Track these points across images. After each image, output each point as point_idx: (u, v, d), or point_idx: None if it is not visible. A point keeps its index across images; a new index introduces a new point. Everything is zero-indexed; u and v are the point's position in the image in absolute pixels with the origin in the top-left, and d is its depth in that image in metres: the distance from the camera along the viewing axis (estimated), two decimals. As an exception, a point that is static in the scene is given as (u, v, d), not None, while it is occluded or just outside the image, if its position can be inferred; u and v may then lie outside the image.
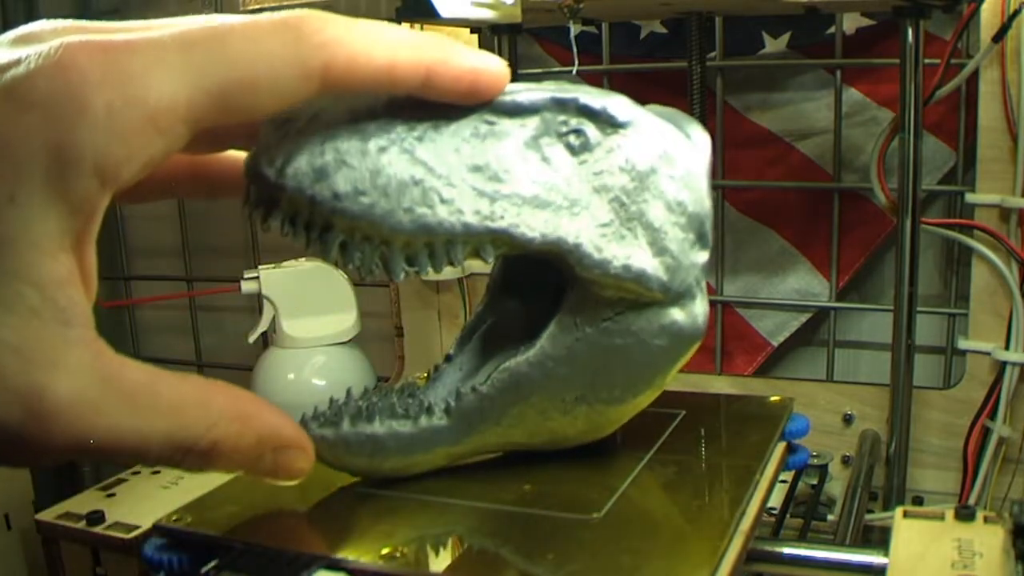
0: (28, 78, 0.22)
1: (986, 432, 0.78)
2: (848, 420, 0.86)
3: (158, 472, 0.63)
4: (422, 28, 0.90)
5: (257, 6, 0.80)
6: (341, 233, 0.30)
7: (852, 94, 0.88)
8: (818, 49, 0.88)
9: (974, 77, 0.76)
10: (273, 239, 0.38)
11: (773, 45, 0.90)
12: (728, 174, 0.92)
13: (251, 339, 0.94)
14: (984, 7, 0.74)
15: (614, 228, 0.33)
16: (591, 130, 0.33)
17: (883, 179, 0.79)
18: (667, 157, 0.34)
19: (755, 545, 0.39)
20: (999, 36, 0.72)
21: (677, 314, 0.35)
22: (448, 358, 0.40)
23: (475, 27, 0.84)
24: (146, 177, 0.25)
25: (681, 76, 0.79)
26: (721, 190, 0.92)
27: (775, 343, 0.94)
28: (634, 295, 0.34)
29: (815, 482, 0.64)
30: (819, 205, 0.91)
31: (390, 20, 0.68)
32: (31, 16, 1.11)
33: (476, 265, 0.96)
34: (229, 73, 0.25)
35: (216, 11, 1.03)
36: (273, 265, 0.92)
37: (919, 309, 0.76)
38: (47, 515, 0.58)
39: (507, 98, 0.33)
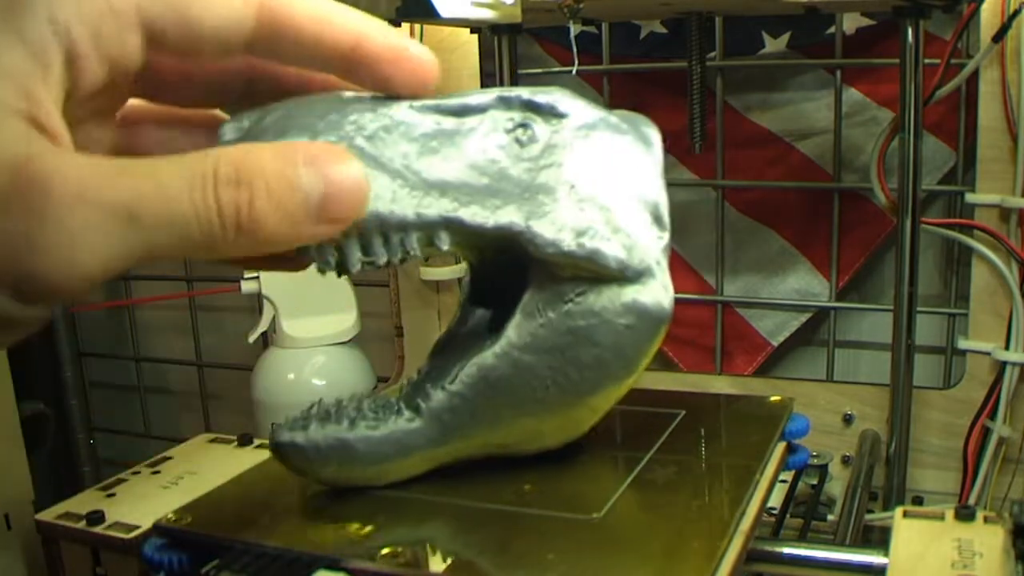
0: None
1: (986, 432, 0.78)
2: (848, 420, 0.86)
3: (158, 472, 0.63)
4: (422, 28, 0.90)
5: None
6: None
7: (852, 94, 0.88)
8: (818, 49, 0.89)
9: (974, 77, 0.76)
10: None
11: (773, 45, 0.90)
12: (728, 174, 0.92)
13: (251, 339, 0.94)
14: (984, 7, 0.74)
15: (566, 209, 0.34)
16: (537, 123, 0.35)
17: (883, 179, 0.79)
18: (613, 144, 0.36)
19: (755, 545, 0.39)
20: (999, 36, 0.72)
21: (639, 292, 0.36)
22: (419, 371, 0.40)
23: (475, 27, 0.84)
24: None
25: (681, 76, 0.79)
26: (721, 190, 0.92)
27: (775, 343, 0.94)
28: (592, 274, 0.35)
29: (815, 482, 0.64)
30: (819, 205, 0.91)
31: (390, 20, 0.68)
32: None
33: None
34: None
35: None
36: (273, 265, 0.92)
37: (919, 309, 0.76)
38: (47, 515, 0.58)
39: (455, 101, 0.34)
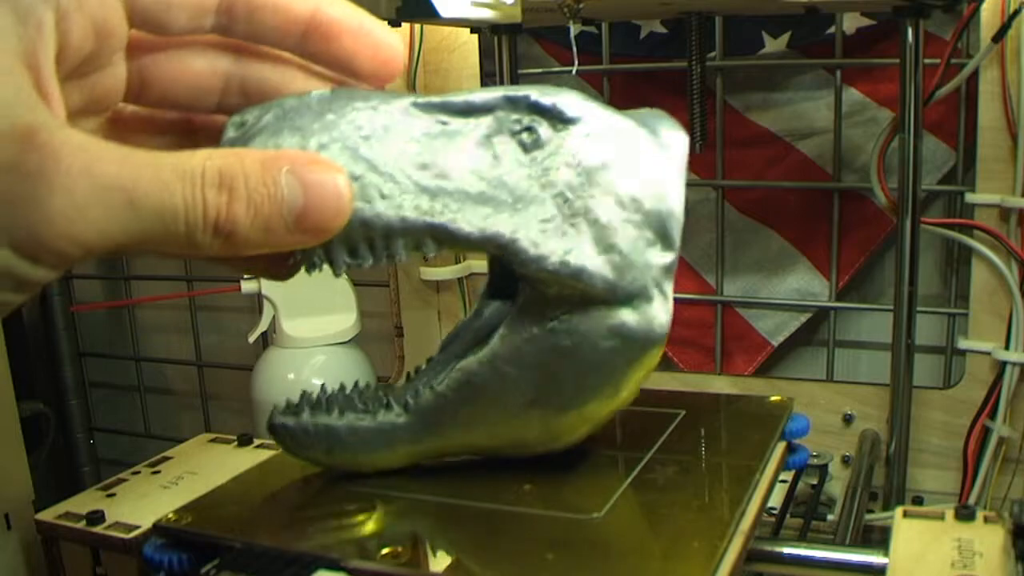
0: None
1: (986, 432, 0.78)
2: (848, 420, 0.86)
3: (158, 472, 0.63)
4: (422, 28, 0.90)
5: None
6: None
7: (852, 94, 0.88)
8: (818, 49, 0.88)
9: (974, 77, 0.76)
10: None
11: (773, 45, 0.90)
12: (728, 174, 0.92)
13: (251, 339, 0.94)
14: (984, 7, 0.74)
15: (555, 224, 0.33)
16: (543, 127, 0.33)
17: (883, 179, 0.79)
18: (621, 153, 0.34)
19: (755, 545, 0.39)
20: (999, 36, 0.72)
21: (628, 315, 0.34)
22: (429, 360, 0.40)
23: (475, 27, 0.84)
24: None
25: (681, 76, 0.79)
26: (721, 190, 0.92)
27: (775, 343, 0.94)
28: (578, 293, 0.34)
29: (815, 482, 0.65)
30: (819, 205, 0.91)
31: (390, 20, 0.68)
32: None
33: (477, 264, 0.96)
34: None
35: None
36: (273, 265, 0.92)
37: (919, 309, 0.76)
38: (47, 515, 0.58)
39: (460, 99, 0.33)
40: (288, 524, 0.38)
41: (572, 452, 0.40)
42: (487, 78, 0.94)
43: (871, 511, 0.77)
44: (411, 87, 0.94)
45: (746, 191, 0.93)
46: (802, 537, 0.56)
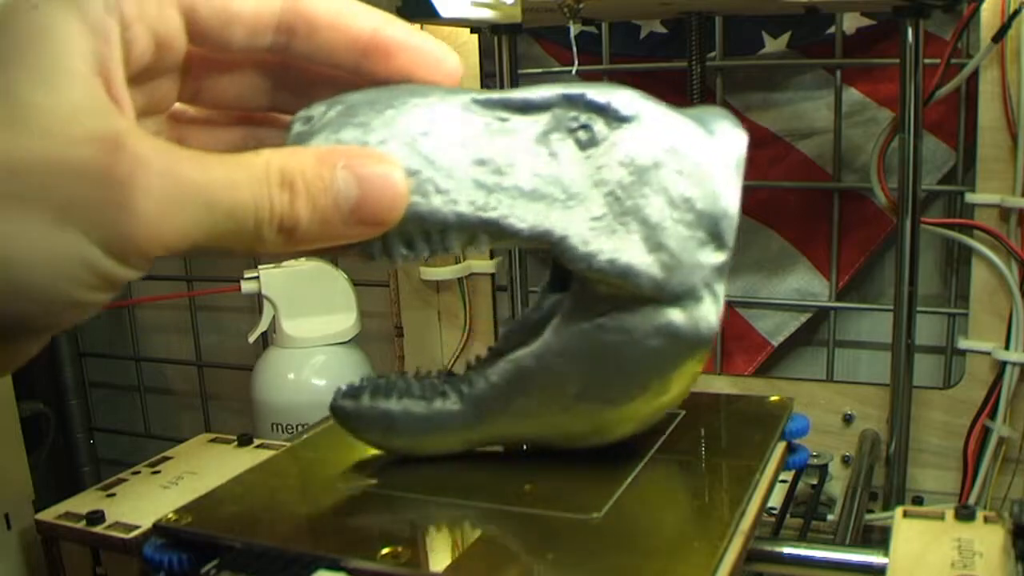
0: None
1: (986, 432, 0.78)
2: (848, 420, 0.86)
3: (158, 472, 0.63)
4: (422, 28, 0.90)
5: None
6: None
7: (852, 94, 0.88)
8: (818, 49, 0.88)
9: (974, 77, 0.76)
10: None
11: (773, 45, 0.90)
12: (728, 174, 0.92)
13: (251, 339, 0.94)
14: (984, 7, 0.74)
15: (606, 222, 0.33)
16: (598, 125, 0.33)
17: (883, 179, 0.79)
18: (674, 152, 0.34)
19: (755, 545, 0.39)
20: (999, 36, 0.73)
21: (675, 315, 0.34)
22: (489, 349, 0.41)
23: (475, 27, 0.84)
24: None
25: (681, 76, 0.79)
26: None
27: (775, 343, 0.94)
28: (626, 292, 0.34)
29: (815, 482, 0.65)
30: (819, 205, 0.91)
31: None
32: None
33: (477, 264, 0.96)
34: None
35: None
36: (273, 265, 0.92)
37: (919, 309, 0.76)
38: (47, 515, 0.58)
39: (519, 96, 0.33)
40: (288, 524, 0.38)
41: (572, 452, 0.40)
42: (487, 78, 0.94)
43: (871, 511, 0.77)
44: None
45: (746, 191, 0.93)
46: (802, 537, 0.56)
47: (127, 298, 1.26)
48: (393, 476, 0.41)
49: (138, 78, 0.27)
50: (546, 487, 0.38)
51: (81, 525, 0.56)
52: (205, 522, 0.37)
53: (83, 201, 0.23)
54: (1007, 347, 0.77)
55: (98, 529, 0.56)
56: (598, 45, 0.94)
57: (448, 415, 0.38)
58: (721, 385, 0.91)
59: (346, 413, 0.39)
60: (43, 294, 0.23)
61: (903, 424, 0.77)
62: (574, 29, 0.67)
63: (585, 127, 0.33)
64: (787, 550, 0.41)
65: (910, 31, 0.68)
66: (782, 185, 0.91)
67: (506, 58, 0.81)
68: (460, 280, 0.98)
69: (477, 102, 0.33)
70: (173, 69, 0.29)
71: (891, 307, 0.76)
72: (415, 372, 0.40)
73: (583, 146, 0.33)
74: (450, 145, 0.32)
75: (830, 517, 0.80)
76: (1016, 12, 0.72)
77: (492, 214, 0.32)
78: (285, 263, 0.93)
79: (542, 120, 0.33)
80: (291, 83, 0.32)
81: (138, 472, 0.63)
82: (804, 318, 0.93)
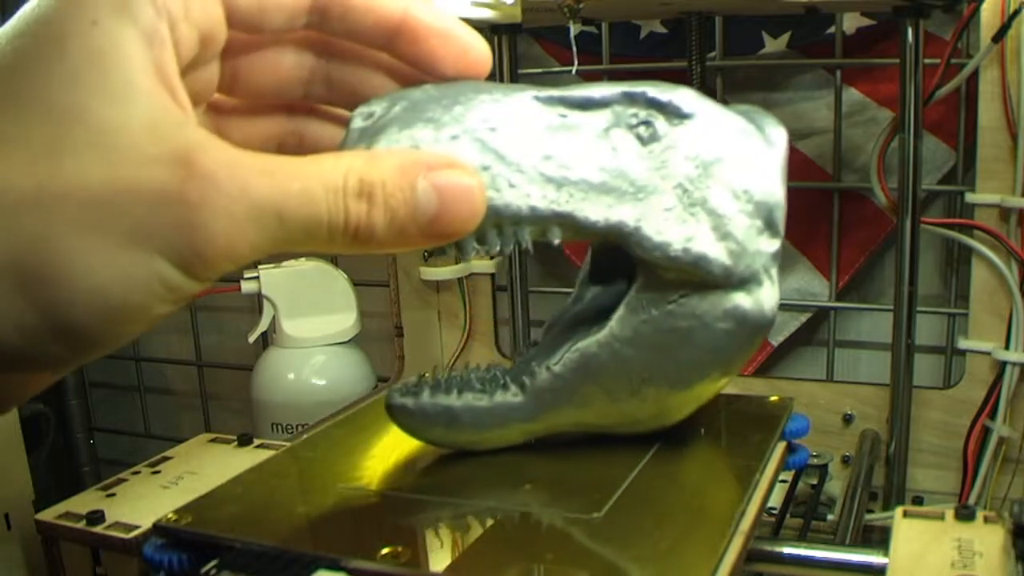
0: None
1: (986, 432, 0.78)
2: (848, 420, 0.86)
3: (158, 472, 0.63)
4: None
5: None
6: None
7: (852, 94, 0.88)
8: (818, 49, 0.89)
9: (974, 77, 0.76)
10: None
11: (773, 45, 0.90)
12: (728, 174, 0.92)
13: (251, 339, 0.94)
14: (984, 7, 0.74)
15: (676, 213, 0.34)
16: (659, 122, 0.35)
17: (883, 179, 0.79)
18: (733, 147, 0.36)
19: (755, 545, 0.39)
20: (999, 36, 0.72)
21: (742, 299, 0.36)
22: (535, 344, 0.42)
23: (475, 27, 0.84)
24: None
25: (681, 76, 0.79)
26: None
27: (775, 343, 0.94)
28: (697, 278, 0.35)
29: (815, 482, 0.65)
30: (819, 205, 0.91)
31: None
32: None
33: (477, 265, 0.96)
34: None
35: None
36: (273, 265, 0.92)
37: (919, 309, 0.76)
38: (47, 515, 0.58)
39: (579, 93, 0.34)
40: (288, 524, 0.38)
41: (572, 452, 0.40)
42: (487, 78, 0.94)
43: (871, 511, 0.77)
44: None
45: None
46: (802, 537, 0.56)
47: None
48: (393, 476, 0.41)
49: (182, 73, 0.27)
50: (546, 487, 0.38)
51: (81, 525, 0.56)
52: (205, 522, 0.37)
53: (155, 223, 0.23)
54: (1007, 347, 0.77)
55: (98, 529, 0.56)
56: (598, 45, 0.94)
57: (510, 407, 0.39)
58: (721, 385, 0.91)
59: (408, 411, 0.39)
60: (113, 308, 0.23)
61: (903, 424, 0.77)
62: (574, 29, 0.67)
63: (646, 123, 0.35)
64: (787, 550, 0.41)
65: (910, 31, 0.68)
66: (782, 185, 0.91)
67: (506, 58, 0.81)
68: (460, 280, 0.98)
69: (538, 99, 0.33)
70: (213, 59, 0.29)
71: (891, 307, 0.76)
72: (469, 366, 0.40)
73: (644, 142, 0.35)
74: (518, 140, 0.32)
75: (830, 517, 0.80)
76: (1016, 12, 0.72)
77: (566, 207, 0.33)
78: (285, 263, 0.93)
79: (602, 116, 0.34)
80: (325, 72, 0.32)
81: (138, 472, 0.63)
82: (804, 318, 0.93)
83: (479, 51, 0.32)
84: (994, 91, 0.75)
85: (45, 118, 0.23)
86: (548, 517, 0.36)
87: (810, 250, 0.92)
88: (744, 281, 0.36)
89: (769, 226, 0.36)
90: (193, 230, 0.23)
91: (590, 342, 0.37)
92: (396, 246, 0.27)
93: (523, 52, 0.96)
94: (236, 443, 0.66)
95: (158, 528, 0.37)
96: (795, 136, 0.91)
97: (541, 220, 0.33)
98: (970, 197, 0.78)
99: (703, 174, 0.35)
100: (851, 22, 0.86)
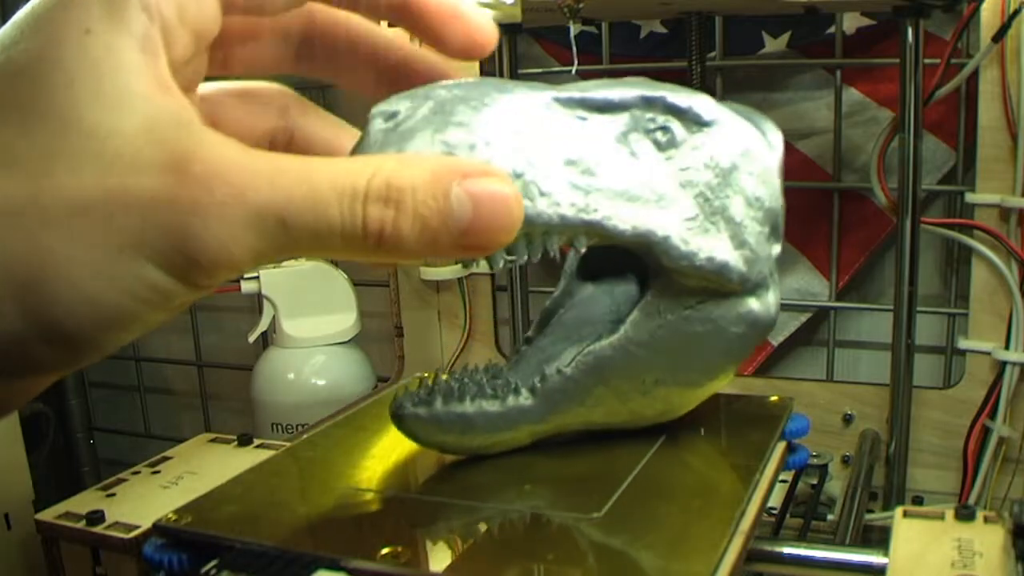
0: None
1: (986, 432, 0.78)
2: (848, 420, 0.86)
3: (158, 472, 0.63)
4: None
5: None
6: None
7: (852, 94, 0.88)
8: (818, 49, 0.88)
9: (974, 77, 0.76)
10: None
11: (773, 45, 0.90)
12: (728, 174, 0.92)
13: (251, 339, 0.94)
14: (984, 7, 0.74)
15: (699, 222, 0.35)
16: (677, 127, 0.35)
17: (883, 179, 0.79)
18: (748, 155, 0.36)
19: (755, 545, 0.39)
20: (999, 36, 0.72)
21: (754, 303, 0.37)
22: (528, 340, 0.42)
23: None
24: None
25: (681, 76, 0.79)
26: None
27: (775, 343, 0.94)
28: (715, 285, 0.36)
29: (815, 482, 0.65)
30: (819, 205, 0.91)
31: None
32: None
33: (479, 265, 0.96)
34: None
35: None
36: (273, 265, 0.92)
37: (919, 309, 0.76)
38: (47, 515, 0.58)
39: (598, 94, 0.34)
40: (288, 524, 0.38)
41: (572, 452, 0.40)
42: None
43: (871, 511, 0.77)
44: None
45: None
46: (802, 537, 0.56)
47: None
48: (393, 476, 0.41)
49: (173, 70, 0.26)
50: (546, 487, 0.38)
51: (81, 525, 0.56)
52: (205, 522, 0.37)
53: (147, 231, 0.22)
54: (1007, 347, 0.77)
55: (98, 529, 0.56)
56: (598, 45, 0.94)
57: (521, 411, 0.39)
58: (721, 385, 0.91)
59: (422, 420, 0.39)
60: (105, 316, 0.23)
61: (903, 424, 0.77)
62: (574, 29, 0.67)
63: (664, 128, 0.35)
64: (787, 550, 0.41)
65: (910, 31, 0.68)
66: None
67: (506, 58, 0.81)
68: (460, 280, 0.98)
69: (559, 100, 0.33)
70: (203, 52, 0.29)
71: (891, 307, 0.76)
72: (469, 368, 0.40)
73: (661, 147, 0.35)
74: (543, 145, 0.32)
75: (830, 517, 0.80)
76: (1016, 12, 0.72)
77: (595, 216, 0.33)
78: (285, 263, 0.93)
79: (620, 120, 0.34)
80: (313, 53, 0.32)
81: (138, 472, 0.63)
82: (804, 318, 0.93)
83: (486, 33, 0.31)
84: (994, 91, 0.75)
85: (40, 127, 0.22)
86: (548, 517, 0.36)
87: (810, 250, 0.92)
88: (756, 286, 0.37)
89: (774, 231, 0.37)
90: (186, 237, 0.22)
91: (603, 345, 0.38)
92: (424, 255, 0.25)
93: (523, 52, 0.96)
94: (236, 443, 0.66)
95: (158, 528, 0.37)
96: (795, 136, 0.91)
97: (570, 229, 0.32)
98: (970, 197, 0.78)
99: (722, 182, 0.35)
100: (851, 22, 0.86)
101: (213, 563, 0.35)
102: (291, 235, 0.23)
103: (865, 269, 0.92)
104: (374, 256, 0.25)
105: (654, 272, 0.37)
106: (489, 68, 0.92)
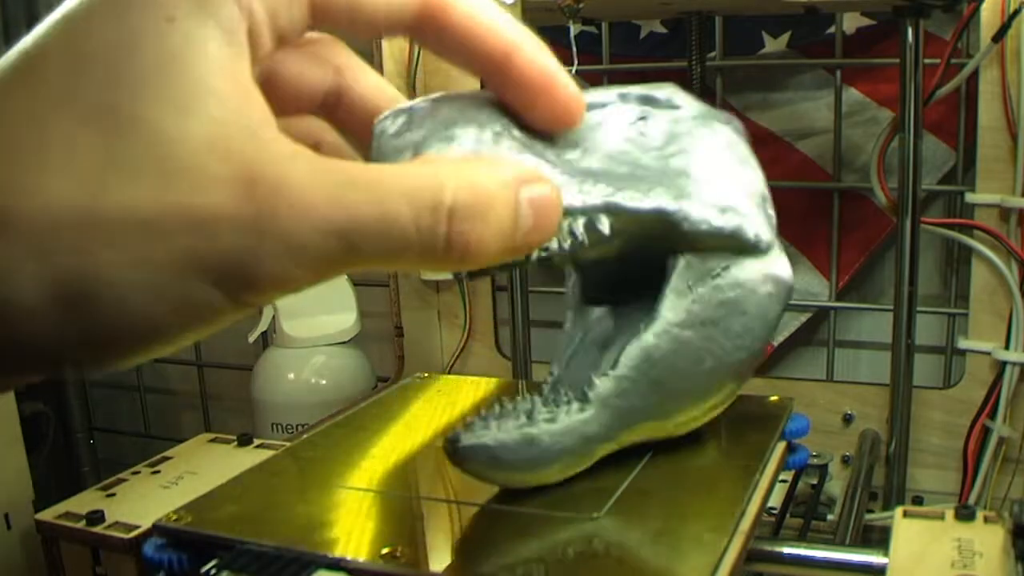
0: None
1: (986, 432, 0.78)
2: (848, 420, 0.86)
3: (158, 472, 0.63)
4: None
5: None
6: None
7: (852, 94, 0.88)
8: (818, 49, 0.89)
9: (974, 77, 0.76)
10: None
11: (773, 45, 0.90)
12: (728, 174, 0.92)
13: (251, 339, 0.94)
14: (984, 7, 0.74)
15: (697, 195, 0.36)
16: (654, 116, 0.36)
17: (883, 179, 0.79)
18: (725, 133, 0.38)
19: (755, 545, 0.39)
20: (999, 36, 0.73)
21: (773, 263, 0.38)
22: (550, 376, 0.40)
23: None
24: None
25: (681, 76, 0.79)
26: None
27: (775, 343, 0.94)
28: (734, 247, 0.37)
29: (815, 482, 0.64)
30: (819, 205, 0.91)
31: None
32: (31, 15, 1.10)
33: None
34: None
35: None
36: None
37: (919, 309, 0.76)
38: (47, 515, 0.58)
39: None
40: (288, 524, 0.38)
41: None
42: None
43: (871, 511, 0.77)
44: (411, 88, 0.94)
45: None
46: (802, 537, 0.56)
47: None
48: (393, 476, 0.41)
49: None
50: (546, 487, 0.38)
51: (81, 525, 0.56)
52: (205, 522, 0.37)
53: (205, 251, 0.21)
54: (1007, 347, 0.77)
55: (98, 529, 0.56)
56: (598, 45, 0.94)
57: (583, 423, 0.37)
58: (721, 385, 0.91)
59: (485, 449, 0.35)
60: (149, 330, 0.22)
61: (903, 424, 0.77)
62: (574, 29, 0.67)
63: (643, 118, 0.36)
64: (787, 550, 0.41)
65: (910, 31, 0.68)
66: (782, 185, 0.91)
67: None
68: (460, 280, 0.98)
69: None
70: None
71: (891, 307, 0.76)
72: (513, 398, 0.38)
73: (645, 134, 0.36)
74: (543, 139, 0.32)
75: (830, 517, 0.80)
76: (1016, 12, 0.72)
77: (612, 197, 0.33)
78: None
79: (605, 115, 0.35)
80: (338, 82, 0.31)
81: (138, 472, 0.63)
82: (804, 318, 0.93)
83: (575, 111, 0.30)
84: (994, 91, 0.75)
85: (102, 126, 0.21)
86: (548, 517, 0.36)
87: (810, 250, 0.92)
88: (769, 246, 0.38)
89: (764, 199, 0.38)
90: (245, 260, 0.21)
91: (646, 336, 0.37)
92: (493, 261, 0.25)
93: (523, 52, 0.96)
94: (236, 443, 0.66)
95: (158, 528, 0.37)
96: (795, 136, 0.91)
97: (592, 210, 0.33)
98: (970, 197, 0.78)
99: (712, 156, 0.37)
100: (851, 22, 0.86)
101: (213, 563, 0.35)
102: (358, 254, 0.23)
103: (865, 269, 0.92)
104: (447, 267, 0.24)
105: (671, 255, 0.37)
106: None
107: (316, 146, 0.30)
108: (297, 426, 0.89)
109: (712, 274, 0.37)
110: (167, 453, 0.66)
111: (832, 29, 0.87)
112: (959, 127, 0.83)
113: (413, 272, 0.26)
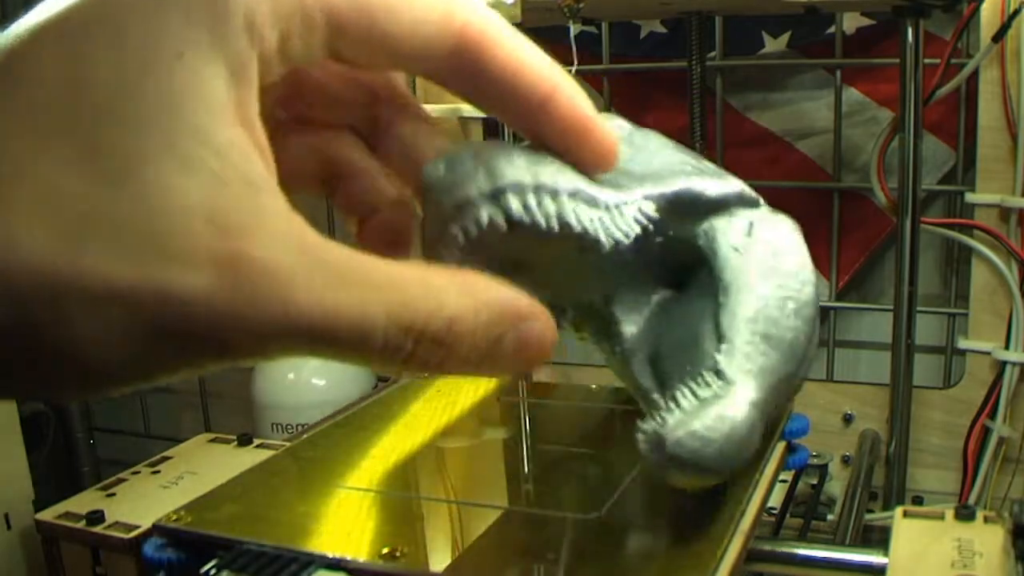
0: None
1: (986, 432, 0.78)
2: (848, 420, 0.86)
3: (158, 472, 0.63)
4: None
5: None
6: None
7: (852, 94, 0.88)
8: (818, 49, 0.88)
9: (974, 77, 0.76)
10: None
11: (773, 45, 0.90)
12: (728, 174, 0.92)
13: (251, 339, 0.94)
14: (984, 7, 0.74)
15: (698, 172, 0.37)
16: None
17: (883, 179, 0.79)
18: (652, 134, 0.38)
19: (755, 545, 0.39)
20: (999, 36, 0.73)
21: (783, 219, 0.39)
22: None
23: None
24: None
25: (681, 76, 0.79)
26: (721, 190, 0.92)
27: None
28: (743, 204, 0.38)
29: (815, 482, 0.65)
30: (819, 205, 0.91)
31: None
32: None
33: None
34: None
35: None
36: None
37: (919, 309, 0.76)
38: (47, 515, 0.58)
39: None
40: (288, 524, 0.38)
41: (572, 452, 0.40)
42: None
43: (871, 511, 0.77)
44: (411, 88, 0.94)
45: (746, 191, 0.93)
46: (802, 537, 0.56)
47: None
48: (393, 476, 0.41)
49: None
50: (546, 487, 0.38)
51: (81, 525, 0.56)
52: (205, 522, 0.37)
53: (178, 325, 0.21)
54: (1007, 347, 0.77)
55: (98, 529, 0.56)
56: (598, 45, 0.94)
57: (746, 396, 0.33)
58: (721, 385, 0.91)
59: (700, 438, 0.31)
60: (124, 377, 0.22)
61: (903, 424, 0.77)
62: (574, 29, 0.67)
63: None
64: (787, 550, 0.41)
65: (910, 31, 0.68)
66: (782, 185, 0.91)
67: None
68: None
69: None
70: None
71: (891, 307, 0.76)
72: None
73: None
74: (553, 163, 0.30)
75: (830, 517, 0.80)
76: (1016, 12, 0.72)
77: (665, 187, 0.34)
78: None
79: None
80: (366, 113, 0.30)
81: (138, 472, 0.63)
82: (804, 318, 0.93)
83: (611, 154, 0.29)
84: (994, 91, 0.75)
85: (93, 169, 0.20)
86: (548, 517, 0.36)
87: (810, 250, 0.92)
88: (756, 201, 0.39)
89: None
90: (214, 335, 0.21)
91: (731, 302, 0.35)
92: (456, 375, 0.25)
93: (523, 52, 0.96)
94: (236, 443, 0.66)
95: (158, 528, 0.37)
96: (795, 136, 0.91)
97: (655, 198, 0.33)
98: (970, 197, 0.78)
99: (661, 152, 0.37)
100: (851, 22, 0.86)
101: (213, 563, 0.35)
102: (325, 348, 0.23)
103: (865, 269, 0.92)
104: (405, 372, 0.24)
105: (694, 236, 0.37)
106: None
107: (341, 168, 0.30)
108: (297, 426, 0.89)
109: (745, 232, 0.38)
110: (167, 453, 0.66)
111: (832, 29, 0.87)
112: (959, 127, 0.83)
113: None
